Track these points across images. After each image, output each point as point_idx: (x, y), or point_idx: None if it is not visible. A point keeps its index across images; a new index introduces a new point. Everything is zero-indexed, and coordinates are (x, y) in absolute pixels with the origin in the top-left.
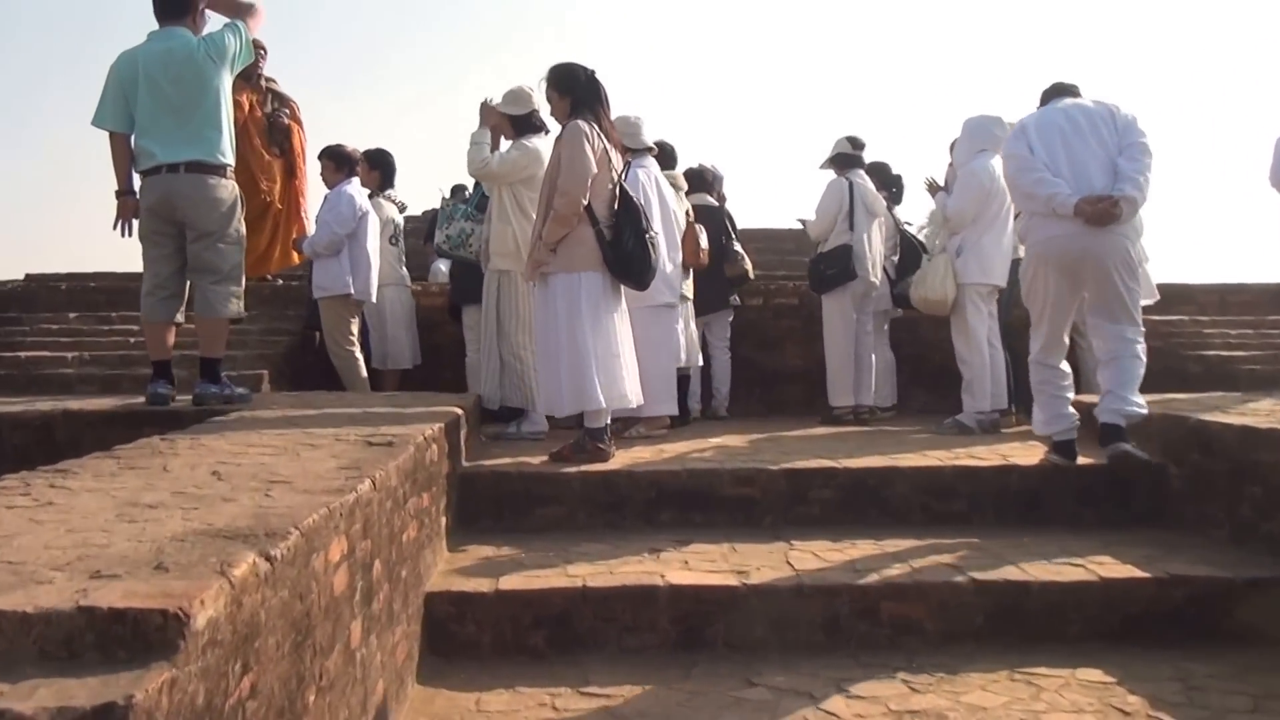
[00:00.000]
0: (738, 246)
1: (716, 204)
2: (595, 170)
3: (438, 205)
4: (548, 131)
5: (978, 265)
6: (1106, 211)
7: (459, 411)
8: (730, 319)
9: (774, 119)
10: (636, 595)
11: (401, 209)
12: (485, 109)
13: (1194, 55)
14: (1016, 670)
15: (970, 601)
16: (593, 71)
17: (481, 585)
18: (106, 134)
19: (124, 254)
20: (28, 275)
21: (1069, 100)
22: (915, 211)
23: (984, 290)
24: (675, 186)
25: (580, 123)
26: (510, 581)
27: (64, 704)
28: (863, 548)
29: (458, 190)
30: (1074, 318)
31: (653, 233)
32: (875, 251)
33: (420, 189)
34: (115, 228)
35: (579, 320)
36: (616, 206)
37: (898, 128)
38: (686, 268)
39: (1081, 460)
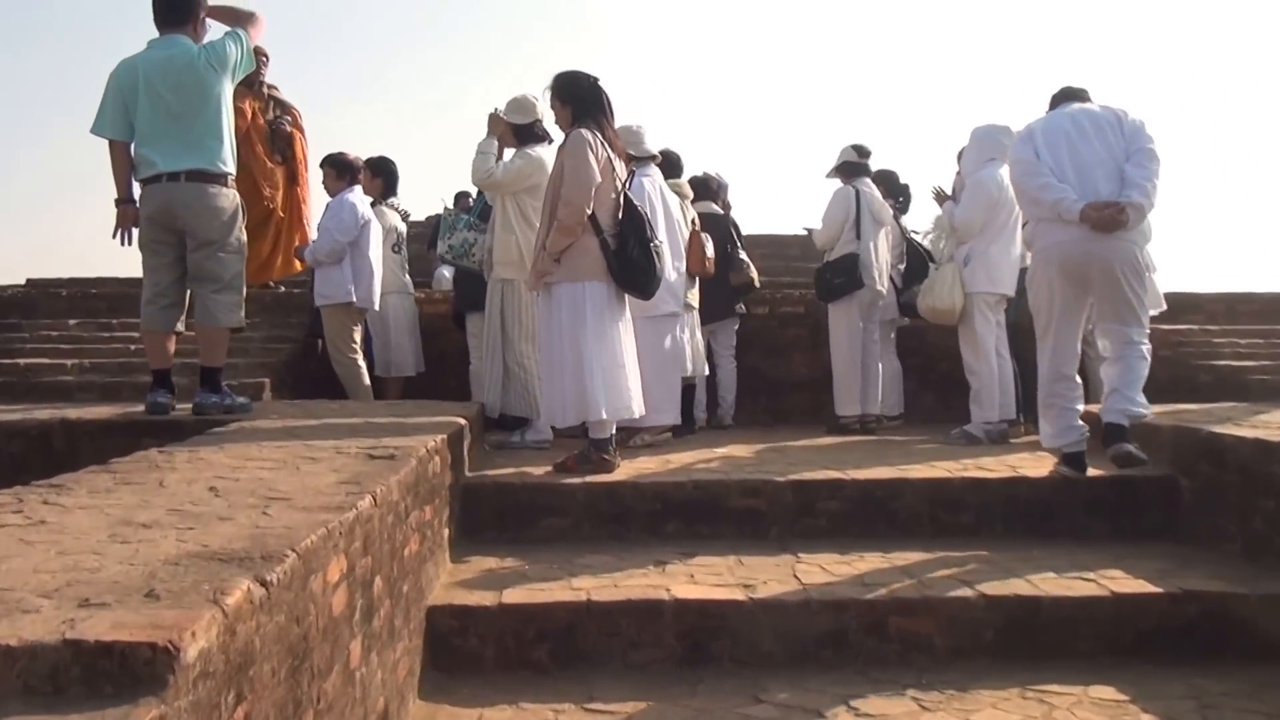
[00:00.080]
0: (743, 255)
1: (722, 212)
2: (599, 179)
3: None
4: (551, 141)
5: (985, 274)
6: (1112, 218)
7: (462, 421)
8: (736, 327)
9: (780, 124)
10: (641, 609)
11: (405, 217)
12: (493, 119)
13: (1202, 61)
14: (1028, 688)
15: (980, 617)
16: (596, 79)
17: (484, 598)
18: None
19: (128, 259)
20: (29, 280)
21: (1076, 105)
22: (922, 220)
23: (992, 299)
24: (681, 195)
25: (583, 131)
26: (513, 594)
27: None
28: (871, 560)
29: (461, 197)
30: (1084, 326)
31: (657, 241)
32: (882, 260)
33: (426, 196)
34: (115, 236)
35: (583, 330)
36: (621, 215)
37: (905, 135)
38: (692, 276)
39: (1091, 472)
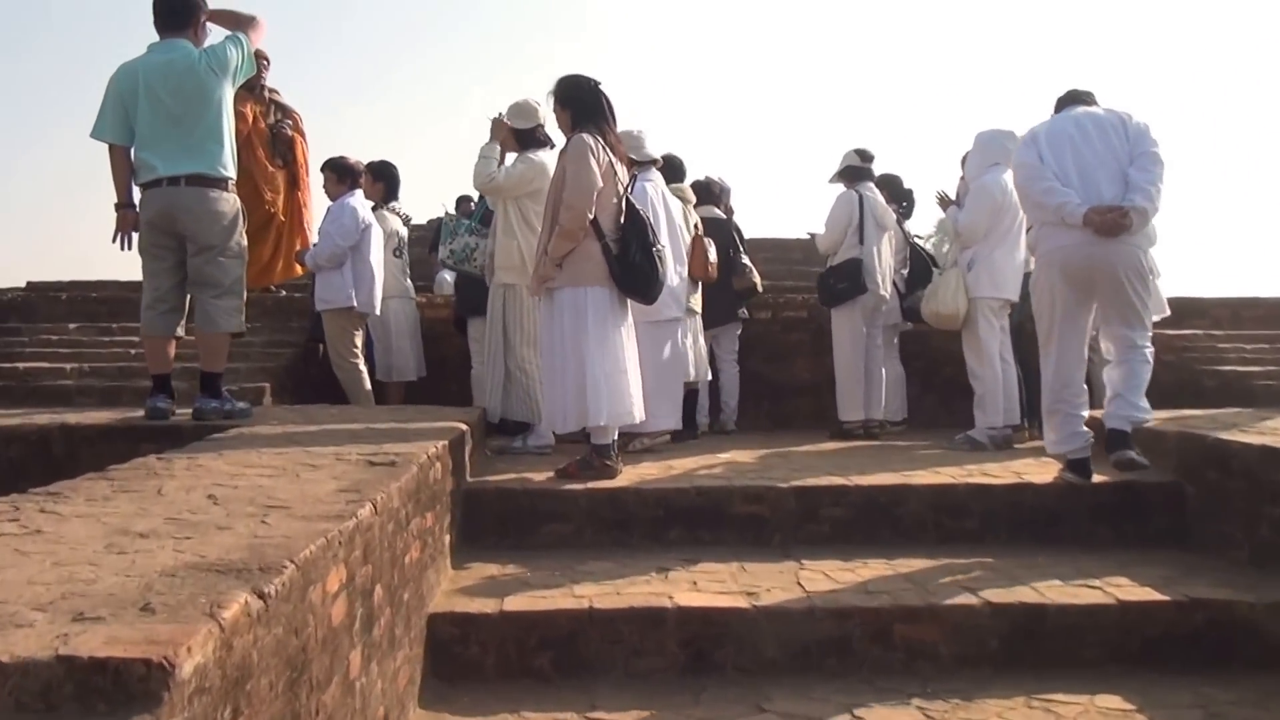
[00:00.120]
0: (746, 259)
1: (724, 216)
2: (600, 184)
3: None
4: (553, 145)
5: (989, 279)
6: (1115, 222)
7: (463, 427)
8: (739, 332)
9: (783, 128)
10: (644, 617)
11: (406, 221)
12: (497, 124)
13: (1209, 66)
14: (1034, 696)
15: (985, 624)
16: (597, 83)
17: (486, 606)
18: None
19: (131, 261)
20: (29, 284)
21: (1081, 108)
22: (925, 225)
23: (996, 304)
24: (684, 199)
25: (584, 136)
26: (515, 602)
27: None
28: (874, 567)
29: (463, 202)
30: (1089, 331)
31: (660, 245)
32: (885, 265)
33: (428, 200)
34: (115, 241)
35: (585, 336)
36: (623, 220)
37: (908, 139)
38: (695, 281)
39: (1097, 478)
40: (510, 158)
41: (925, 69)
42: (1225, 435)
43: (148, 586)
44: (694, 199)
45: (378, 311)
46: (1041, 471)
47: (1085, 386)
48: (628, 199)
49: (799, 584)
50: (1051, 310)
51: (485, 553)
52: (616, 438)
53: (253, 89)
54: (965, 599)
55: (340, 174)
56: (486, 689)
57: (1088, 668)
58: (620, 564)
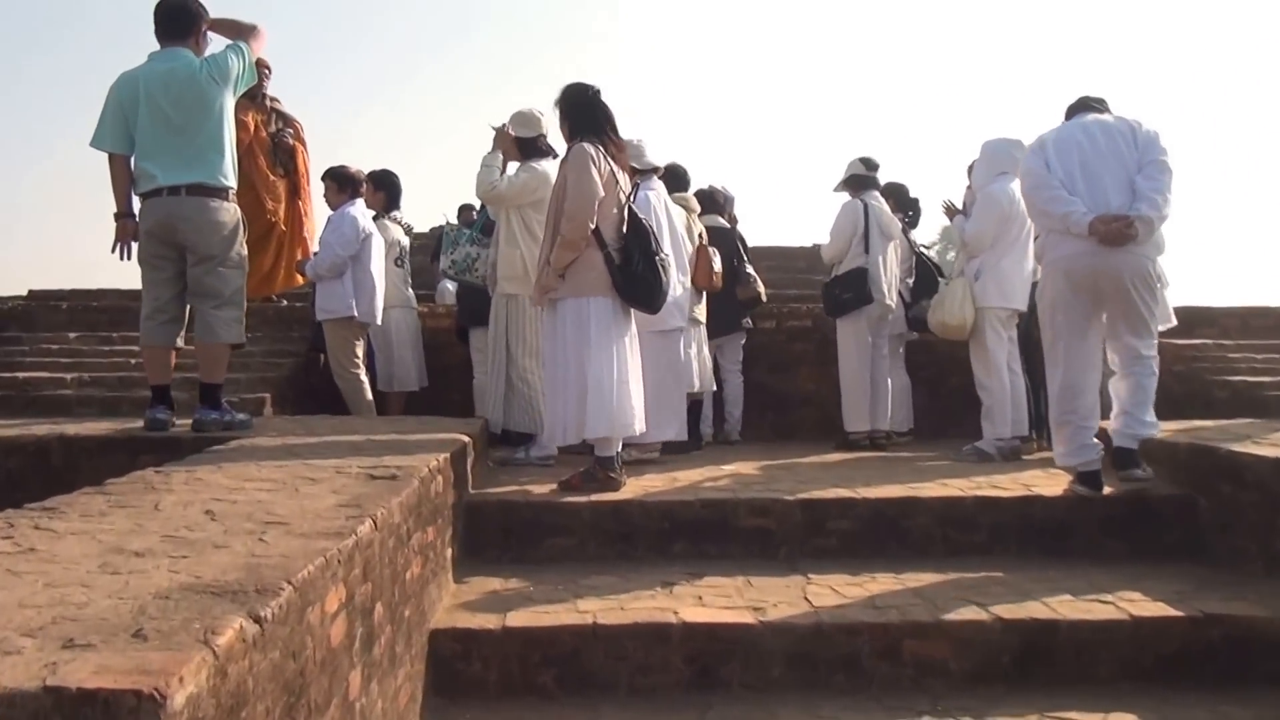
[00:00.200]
0: (750, 269)
1: (728, 226)
2: (602, 193)
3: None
4: (556, 155)
5: (997, 289)
6: (1120, 231)
7: (465, 439)
8: (743, 342)
9: (787, 137)
10: (649, 633)
11: (407, 230)
12: (500, 133)
13: (1221, 76)
14: (1046, 715)
15: (996, 640)
16: (597, 91)
17: (488, 622)
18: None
19: (133, 270)
20: (30, 292)
21: (1091, 116)
22: (929, 233)
23: (1003, 314)
24: (687, 209)
25: (585, 145)
26: (518, 618)
27: None
28: (883, 581)
29: (465, 210)
30: (1100, 342)
31: (663, 254)
32: (890, 274)
33: (429, 209)
34: (114, 251)
35: (587, 347)
36: (625, 229)
37: (914, 148)
38: (700, 291)
39: (1107, 490)
40: (513, 167)
41: (931, 78)
42: (1238, 447)
43: (141, 610)
44: (698, 208)
45: (379, 321)
46: (1051, 483)
47: (1096, 398)
48: (630, 208)
49: (806, 599)
50: (1056, 319)
51: (487, 566)
52: (620, 449)
53: (254, 98)
54: (975, 614)
55: (341, 183)
56: (489, 706)
57: (1101, 685)
58: (624, 578)
